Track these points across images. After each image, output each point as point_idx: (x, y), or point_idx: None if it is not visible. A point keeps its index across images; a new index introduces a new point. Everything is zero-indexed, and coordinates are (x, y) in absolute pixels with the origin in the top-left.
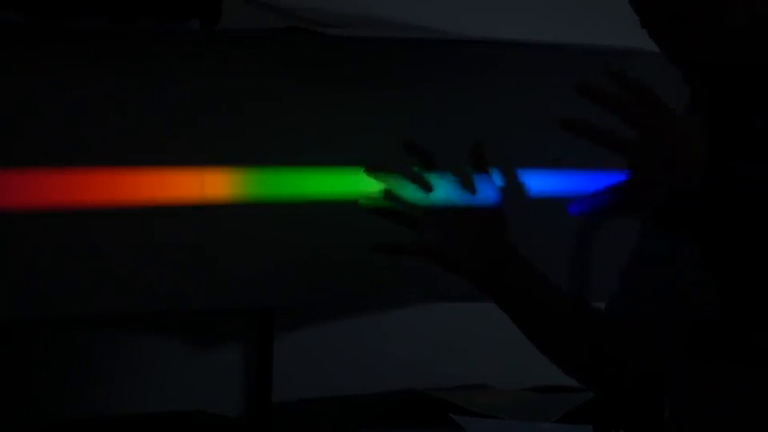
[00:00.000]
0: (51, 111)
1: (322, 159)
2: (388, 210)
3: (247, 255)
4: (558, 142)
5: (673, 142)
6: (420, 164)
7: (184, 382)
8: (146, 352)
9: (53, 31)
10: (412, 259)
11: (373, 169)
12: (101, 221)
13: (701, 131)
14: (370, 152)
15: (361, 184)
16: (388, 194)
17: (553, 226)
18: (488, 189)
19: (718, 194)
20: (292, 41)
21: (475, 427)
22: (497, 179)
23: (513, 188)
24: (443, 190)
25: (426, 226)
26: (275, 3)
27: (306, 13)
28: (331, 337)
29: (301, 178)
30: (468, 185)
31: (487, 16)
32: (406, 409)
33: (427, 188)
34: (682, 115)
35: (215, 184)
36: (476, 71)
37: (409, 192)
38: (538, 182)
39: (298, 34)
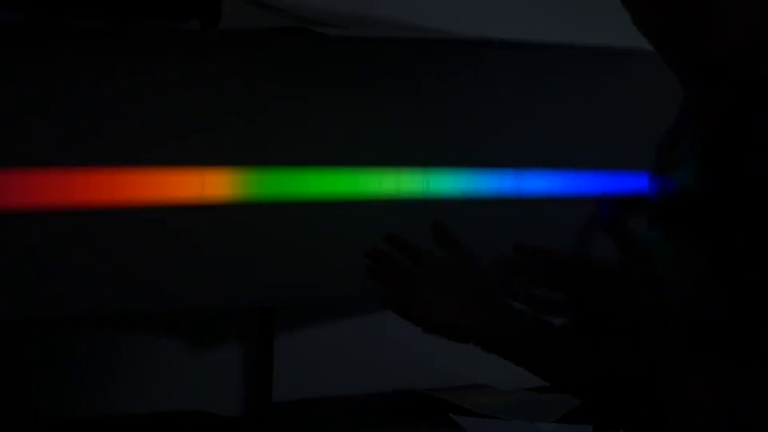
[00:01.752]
0: (51, 111)
1: (322, 159)
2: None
3: (247, 255)
4: (558, 142)
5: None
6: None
7: (184, 382)
8: (146, 352)
9: (53, 31)
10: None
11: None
12: (101, 221)
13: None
14: (370, 152)
15: (361, 185)
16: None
17: (553, 226)
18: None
19: (722, 195)
20: (292, 41)
21: (475, 427)
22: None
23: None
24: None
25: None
26: (275, 3)
27: (306, 13)
28: (331, 337)
29: (301, 178)
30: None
31: (487, 16)
32: (406, 409)
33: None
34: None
35: (215, 184)
36: (475, 71)
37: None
38: (538, 182)
39: (298, 34)
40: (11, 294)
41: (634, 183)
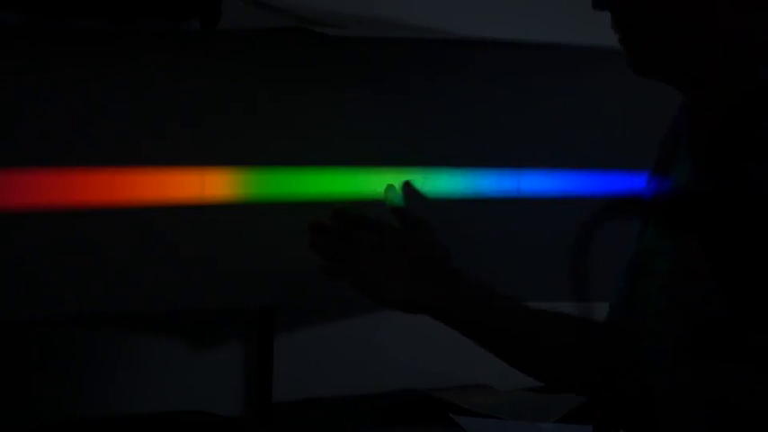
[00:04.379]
0: (51, 111)
1: (322, 159)
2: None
3: (247, 255)
4: (558, 142)
5: None
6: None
7: (184, 382)
8: (146, 352)
9: (53, 31)
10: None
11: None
12: (101, 221)
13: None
14: (370, 152)
15: (361, 184)
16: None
17: (553, 226)
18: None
19: (723, 194)
20: (292, 41)
21: (475, 427)
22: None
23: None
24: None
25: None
26: (275, 3)
27: (306, 13)
28: (331, 337)
29: (301, 178)
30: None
31: (487, 16)
32: (406, 409)
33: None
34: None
35: (215, 184)
36: (475, 71)
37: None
38: (538, 182)
39: (298, 34)
40: (11, 294)
41: (633, 183)
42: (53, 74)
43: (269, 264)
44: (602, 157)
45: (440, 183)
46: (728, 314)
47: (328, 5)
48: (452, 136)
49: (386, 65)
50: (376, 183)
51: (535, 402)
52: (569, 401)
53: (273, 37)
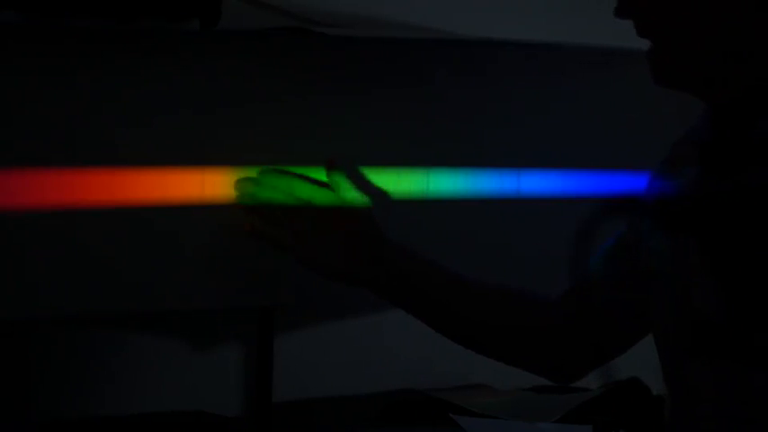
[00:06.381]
0: (51, 111)
1: (321, 159)
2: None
3: (247, 255)
4: (559, 142)
5: None
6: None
7: (184, 382)
8: (146, 352)
9: (53, 31)
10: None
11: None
12: (100, 221)
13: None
14: (370, 152)
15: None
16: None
17: (553, 226)
18: (348, 191)
19: (722, 196)
20: (292, 41)
21: (475, 427)
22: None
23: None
24: (304, 192)
25: (290, 227)
26: (275, 3)
27: (306, 13)
28: (331, 337)
29: None
30: (327, 187)
31: (487, 16)
32: (406, 409)
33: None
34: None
35: (215, 184)
36: (476, 71)
37: (274, 192)
38: (538, 182)
39: (298, 34)
40: (11, 294)
41: (634, 183)
42: (53, 74)
43: (269, 264)
44: (602, 157)
45: (440, 183)
46: (728, 314)
47: (328, 5)
48: (452, 136)
49: (386, 65)
50: (376, 183)
51: (535, 402)
52: (569, 401)
53: (273, 37)
